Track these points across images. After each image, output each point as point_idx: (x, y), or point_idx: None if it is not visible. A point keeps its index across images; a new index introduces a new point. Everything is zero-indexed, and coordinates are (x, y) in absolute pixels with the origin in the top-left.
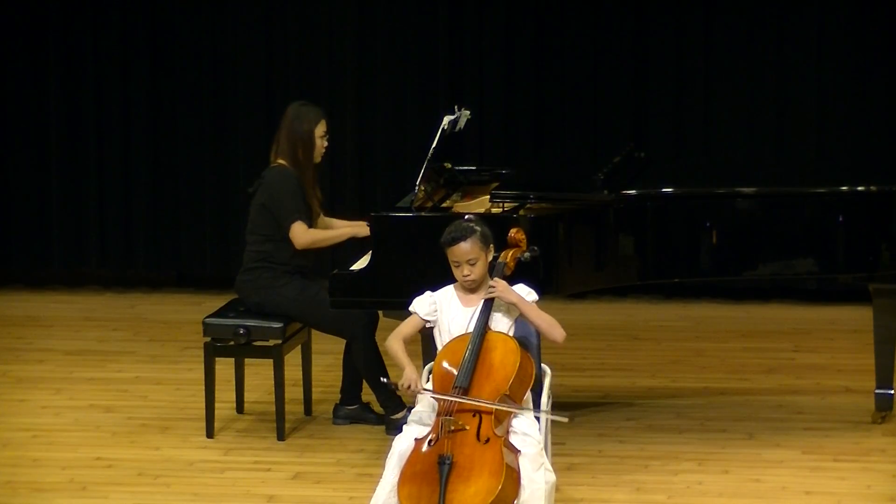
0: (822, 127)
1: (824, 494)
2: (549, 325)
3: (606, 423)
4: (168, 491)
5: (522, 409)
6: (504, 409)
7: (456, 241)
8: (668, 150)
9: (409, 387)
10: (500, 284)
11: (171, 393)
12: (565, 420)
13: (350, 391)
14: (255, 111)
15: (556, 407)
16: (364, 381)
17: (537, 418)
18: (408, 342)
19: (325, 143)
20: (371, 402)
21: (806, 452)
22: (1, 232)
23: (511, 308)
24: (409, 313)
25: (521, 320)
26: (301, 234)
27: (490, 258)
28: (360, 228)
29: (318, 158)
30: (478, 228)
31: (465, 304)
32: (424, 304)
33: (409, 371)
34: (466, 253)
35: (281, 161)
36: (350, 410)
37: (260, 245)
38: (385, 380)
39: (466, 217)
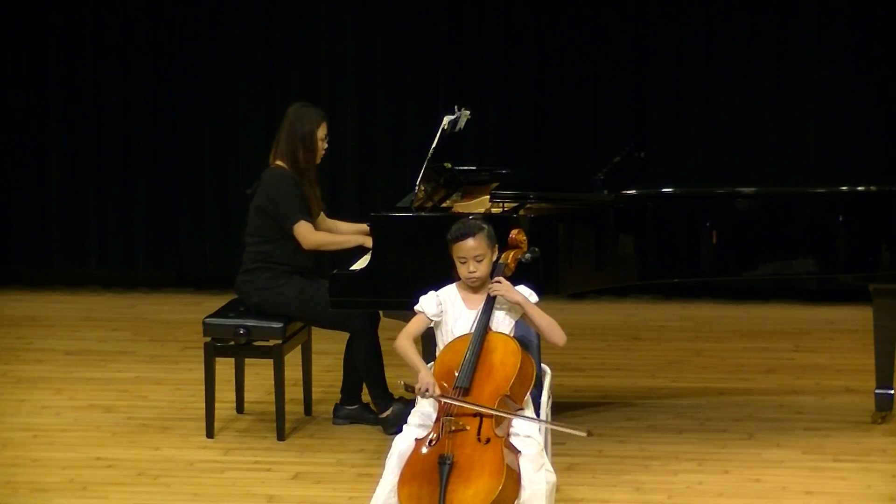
0: (822, 127)
1: (824, 494)
2: (552, 327)
3: (606, 423)
4: (168, 491)
5: (541, 421)
6: (518, 417)
7: (464, 236)
8: (668, 150)
9: (426, 390)
10: (504, 283)
11: (171, 393)
12: (583, 435)
13: (350, 391)
14: (255, 111)
15: (556, 406)
16: (362, 376)
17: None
18: (415, 341)
19: (326, 146)
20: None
21: (806, 452)
22: (1, 232)
23: (513, 308)
24: (413, 313)
25: (521, 320)
26: (308, 234)
27: (494, 258)
28: (369, 239)
29: (317, 161)
30: (485, 226)
31: (469, 304)
32: (432, 304)
33: (425, 374)
34: (473, 249)
35: (279, 162)
36: (350, 410)
37: (259, 246)
38: (404, 382)
39: (472, 216)
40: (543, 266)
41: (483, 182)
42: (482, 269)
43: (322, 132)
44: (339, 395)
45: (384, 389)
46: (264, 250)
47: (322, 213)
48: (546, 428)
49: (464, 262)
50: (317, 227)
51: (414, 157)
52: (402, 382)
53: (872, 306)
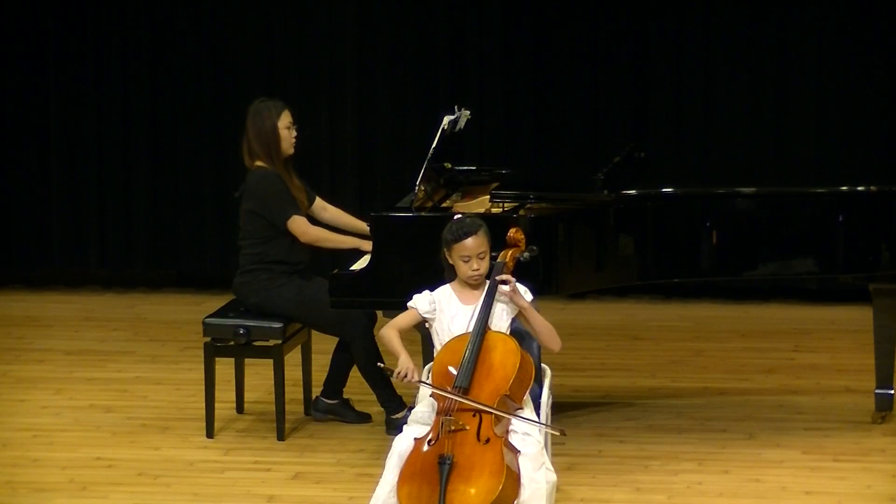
0: (822, 127)
1: (824, 494)
2: (550, 333)
3: (606, 423)
4: (168, 491)
5: (520, 417)
6: (501, 414)
7: (466, 235)
8: (668, 150)
9: (405, 375)
10: (512, 284)
11: (171, 393)
12: (557, 433)
13: (333, 385)
14: None
15: (557, 406)
16: (366, 381)
17: (538, 416)
18: (402, 334)
19: (294, 133)
20: (351, 399)
21: (806, 452)
22: (1, 232)
23: (510, 307)
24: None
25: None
26: (305, 227)
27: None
28: (365, 243)
29: (290, 150)
30: (482, 223)
31: (464, 301)
32: (424, 302)
33: (404, 359)
34: (477, 247)
35: (259, 163)
36: (330, 404)
37: (254, 248)
38: (381, 364)
39: (461, 216)
40: (543, 266)
41: (483, 182)
42: (485, 266)
43: (284, 122)
44: (322, 387)
45: (392, 391)
46: (260, 251)
47: (320, 200)
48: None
49: (467, 261)
50: (320, 215)
51: (414, 157)
52: (380, 365)
53: (872, 306)
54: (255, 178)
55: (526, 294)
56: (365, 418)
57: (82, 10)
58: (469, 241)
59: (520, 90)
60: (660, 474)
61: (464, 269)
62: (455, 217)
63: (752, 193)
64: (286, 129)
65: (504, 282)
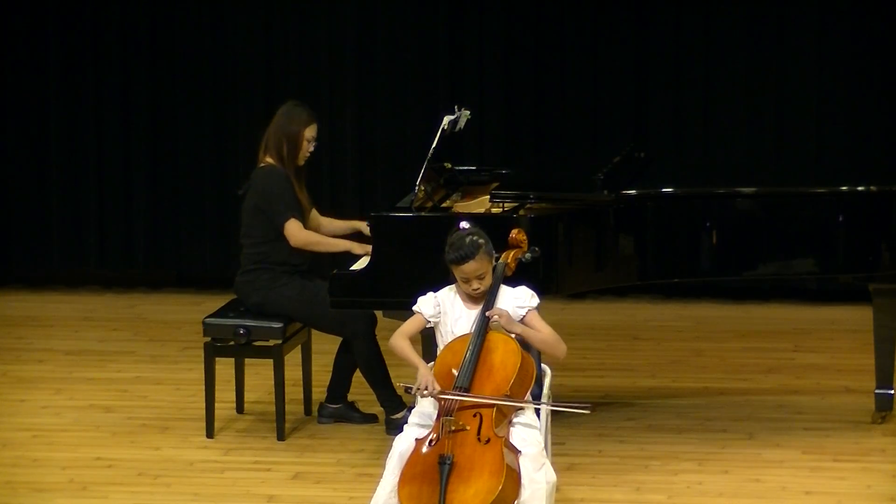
0: (822, 127)
1: (824, 494)
2: (552, 345)
3: (606, 423)
4: (168, 491)
5: (542, 404)
6: (525, 405)
7: (465, 259)
8: (668, 150)
9: (425, 388)
10: (504, 316)
11: (171, 393)
12: (587, 412)
13: (336, 390)
14: (255, 111)
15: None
16: (366, 381)
17: (538, 417)
18: (413, 341)
19: (312, 148)
20: (356, 401)
21: (806, 452)
22: (1, 232)
23: (513, 309)
24: (411, 313)
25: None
26: (297, 232)
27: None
28: (357, 246)
29: (301, 161)
30: (482, 241)
31: (468, 304)
32: (429, 305)
33: (424, 372)
34: (476, 270)
35: (269, 159)
36: (335, 409)
37: (257, 247)
38: (401, 384)
39: (464, 227)
40: (543, 266)
41: (483, 182)
42: (486, 284)
43: (310, 133)
44: (325, 393)
45: (393, 391)
46: (262, 251)
47: (314, 210)
48: (546, 428)
49: (466, 282)
50: (308, 225)
51: (414, 157)
52: (402, 385)
53: (872, 306)
54: (261, 174)
55: (532, 298)
56: (371, 419)
57: (82, 10)
58: (467, 266)
59: (520, 90)
60: (660, 474)
61: (464, 287)
62: (459, 226)
63: (752, 193)
64: (307, 141)
65: (497, 314)
